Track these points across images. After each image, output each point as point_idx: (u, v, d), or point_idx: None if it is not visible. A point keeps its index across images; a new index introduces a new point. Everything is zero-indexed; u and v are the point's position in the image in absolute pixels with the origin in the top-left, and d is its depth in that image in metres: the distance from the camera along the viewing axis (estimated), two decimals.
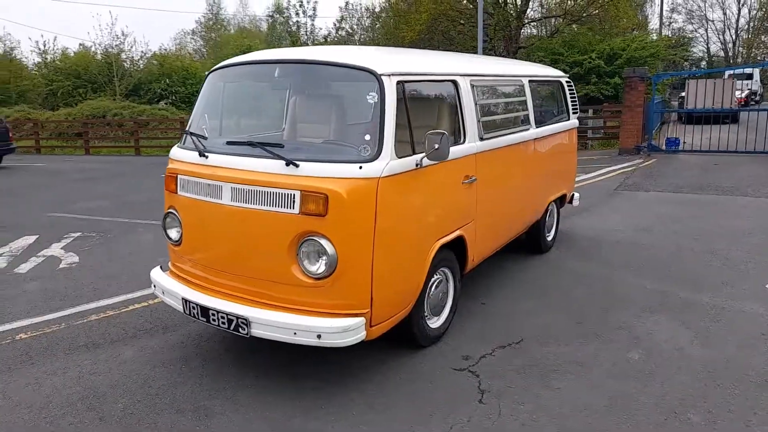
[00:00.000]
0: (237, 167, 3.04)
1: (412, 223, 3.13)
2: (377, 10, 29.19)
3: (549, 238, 5.62)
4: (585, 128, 15.84)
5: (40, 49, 29.51)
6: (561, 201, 5.81)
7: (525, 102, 4.62)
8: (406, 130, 3.08)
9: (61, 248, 6.13)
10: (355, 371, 3.30)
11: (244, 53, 3.68)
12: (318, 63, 3.18)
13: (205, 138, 3.31)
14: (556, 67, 18.47)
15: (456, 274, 3.77)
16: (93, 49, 29.49)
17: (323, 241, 2.81)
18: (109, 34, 33.68)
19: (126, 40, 31.45)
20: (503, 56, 23.68)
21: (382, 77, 2.94)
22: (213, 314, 3.05)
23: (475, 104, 3.76)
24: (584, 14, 22.36)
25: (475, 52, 22.24)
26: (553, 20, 24.87)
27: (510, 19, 22.46)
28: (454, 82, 3.60)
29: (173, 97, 25.92)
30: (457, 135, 3.66)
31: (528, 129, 4.64)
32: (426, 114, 3.61)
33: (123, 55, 29.30)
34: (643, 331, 3.80)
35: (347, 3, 21.19)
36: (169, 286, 3.32)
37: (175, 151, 3.45)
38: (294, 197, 2.83)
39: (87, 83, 26.70)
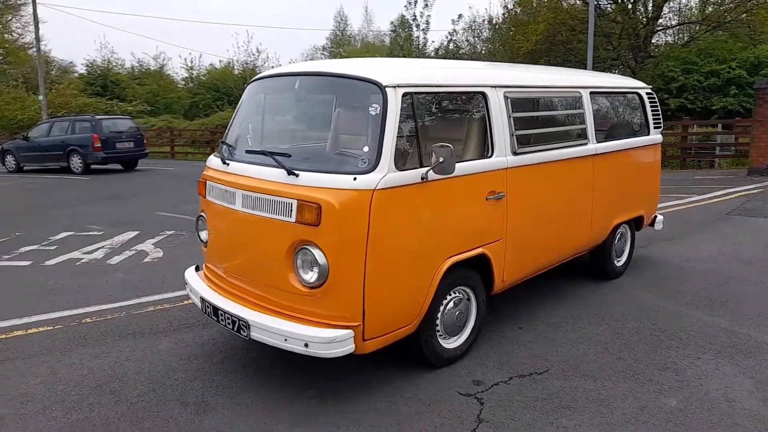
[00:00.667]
0: (249, 175, 3.17)
1: (416, 237, 3.04)
2: (499, 21, 28.76)
3: (618, 264, 5.15)
4: (712, 145, 14.36)
5: (187, 65, 32.93)
6: (637, 224, 5.32)
7: (582, 115, 4.30)
8: (414, 143, 3.02)
9: (152, 244, 6.76)
10: (358, 385, 3.27)
11: None
12: (329, 75, 3.23)
13: (233, 147, 3.49)
14: (689, 78, 17.15)
15: (480, 294, 3.60)
16: (231, 65, 32.33)
17: (315, 251, 2.83)
18: (245, 51, 36.55)
19: (260, 57, 34.16)
20: (630, 66, 22.22)
21: (387, 89, 2.91)
22: (221, 314, 3.19)
23: (509, 117, 3.58)
24: (727, 20, 20.24)
25: (599, 62, 21.10)
26: (690, 27, 22.82)
27: (638, 27, 20.98)
28: (483, 94, 3.45)
29: None
30: (485, 148, 3.50)
31: (585, 144, 4.31)
32: (446, 126, 3.51)
33: (257, 71, 31.79)
34: (694, 375, 3.36)
35: (460, 16, 21.08)
36: (195, 285, 3.53)
37: (210, 158, 3.67)
38: (292, 206, 2.89)
39: (224, 96, 29.26)
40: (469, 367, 3.48)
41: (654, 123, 5.27)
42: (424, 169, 2.99)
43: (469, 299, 3.57)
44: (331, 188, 2.82)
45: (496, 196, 3.49)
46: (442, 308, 3.38)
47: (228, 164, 3.36)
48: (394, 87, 2.93)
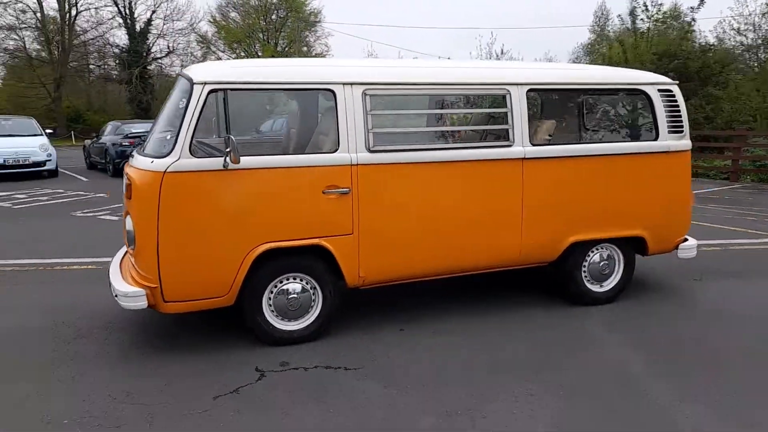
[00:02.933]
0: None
1: (217, 219, 3.34)
2: None
3: (599, 289, 4.41)
4: None
5: None
6: (639, 247, 4.46)
7: (505, 115, 3.91)
8: (223, 134, 3.37)
9: None
10: (189, 347, 3.67)
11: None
12: (181, 75, 3.74)
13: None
14: None
15: (325, 285, 3.70)
16: None
17: (129, 220, 3.44)
18: (486, 53, 37.39)
19: (503, 57, 34.63)
20: None
21: (194, 85, 3.33)
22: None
23: (365, 114, 3.58)
24: None
25: None
26: None
27: None
28: (331, 91, 3.55)
29: None
30: (335, 143, 3.59)
31: (508, 146, 3.92)
32: (300, 120, 3.68)
33: None
34: (493, 409, 2.96)
35: (702, 2, 17.85)
36: (118, 253, 4.38)
37: None
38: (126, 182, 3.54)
39: None
40: (297, 350, 3.62)
41: (670, 126, 4.35)
42: (222, 158, 3.32)
43: (315, 288, 3.71)
44: (139, 169, 3.39)
45: (338, 190, 3.56)
46: (275, 290, 3.62)
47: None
48: (201, 84, 3.33)
